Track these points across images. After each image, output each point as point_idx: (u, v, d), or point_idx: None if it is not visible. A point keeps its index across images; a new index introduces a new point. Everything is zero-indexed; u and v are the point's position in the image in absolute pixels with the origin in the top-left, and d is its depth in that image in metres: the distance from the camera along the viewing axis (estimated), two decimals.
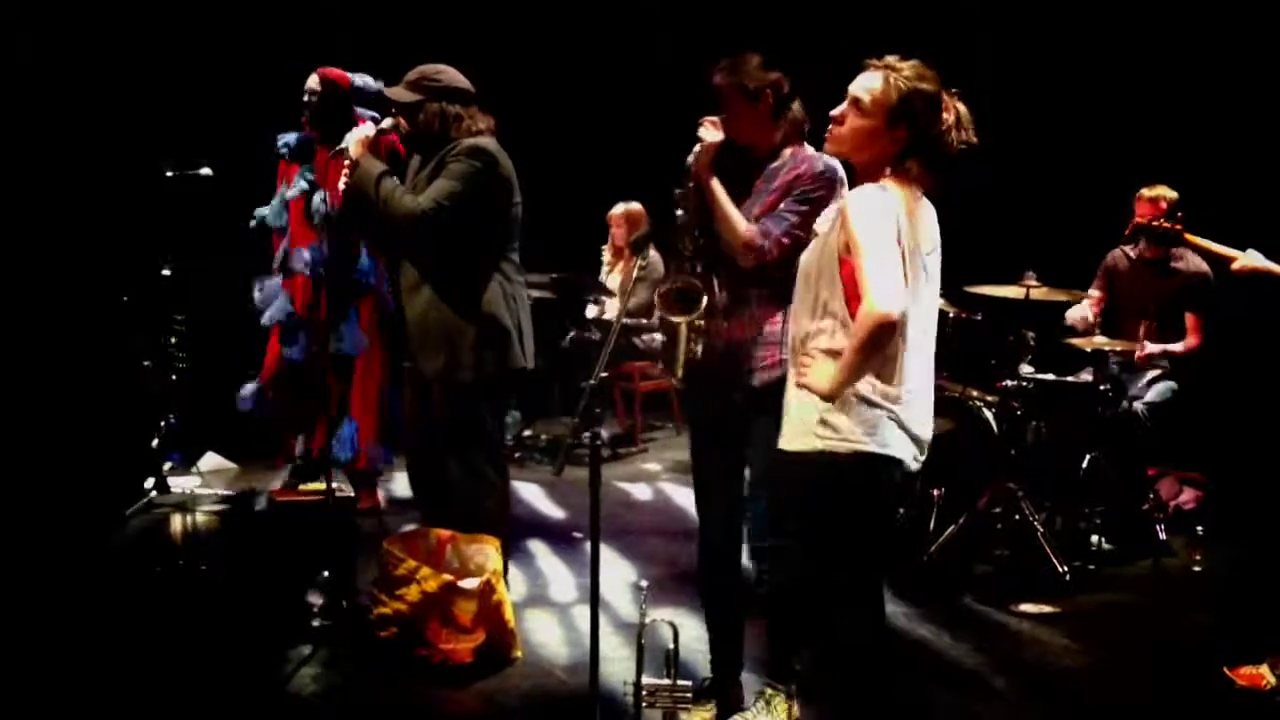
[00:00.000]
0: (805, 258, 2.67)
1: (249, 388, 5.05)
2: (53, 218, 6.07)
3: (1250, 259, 3.57)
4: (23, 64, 6.10)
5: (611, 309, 6.69)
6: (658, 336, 6.59)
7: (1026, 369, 5.10)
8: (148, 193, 5.31)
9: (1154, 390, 5.11)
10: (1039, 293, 4.77)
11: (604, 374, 2.68)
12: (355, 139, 3.75)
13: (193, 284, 5.51)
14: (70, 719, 3.30)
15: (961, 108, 2.55)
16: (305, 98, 4.75)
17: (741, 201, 3.06)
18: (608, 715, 3.12)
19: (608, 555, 4.70)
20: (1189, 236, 3.87)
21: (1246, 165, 5.69)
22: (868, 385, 2.49)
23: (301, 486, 4.96)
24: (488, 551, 3.73)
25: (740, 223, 3.00)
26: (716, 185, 3.03)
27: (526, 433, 6.75)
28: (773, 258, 2.98)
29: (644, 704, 2.89)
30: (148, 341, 5.47)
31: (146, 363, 5.45)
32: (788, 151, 3.10)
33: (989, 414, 4.86)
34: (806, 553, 2.70)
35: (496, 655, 3.58)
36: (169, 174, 5.19)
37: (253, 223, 4.99)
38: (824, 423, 2.53)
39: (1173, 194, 5.04)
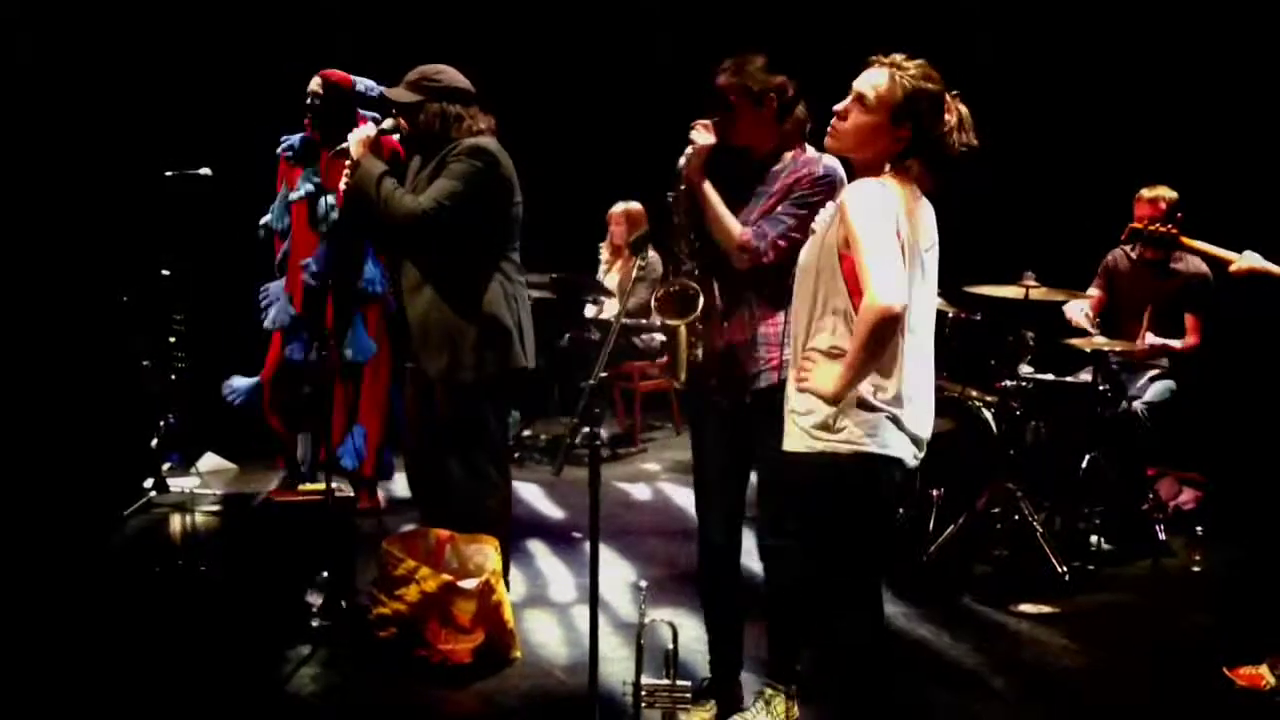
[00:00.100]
0: (804, 256, 2.66)
1: (243, 382, 5.03)
2: (53, 218, 6.07)
3: (1248, 260, 3.57)
4: (23, 64, 6.11)
5: (610, 309, 6.69)
6: (657, 336, 6.64)
7: (1026, 369, 5.11)
8: (147, 193, 5.31)
9: (1153, 390, 5.11)
10: (1038, 293, 4.77)
11: (603, 374, 2.68)
12: (356, 139, 3.75)
13: (192, 284, 5.50)
14: (70, 719, 3.30)
15: (964, 109, 2.55)
16: (308, 100, 4.75)
17: (742, 204, 3.06)
18: (607, 715, 3.12)
19: (607, 555, 4.70)
20: (1185, 240, 3.86)
21: (1246, 165, 5.69)
22: (867, 386, 2.49)
23: (301, 486, 4.97)
24: (487, 551, 3.73)
25: (734, 225, 3.00)
26: (709, 189, 3.02)
27: (526, 432, 6.75)
28: (769, 260, 2.98)
29: (643, 704, 2.89)
30: (147, 341, 5.46)
31: (146, 363, 5.44)
32: (789, 154, 3.09)
33: (988, 414, 4.86)
34: (806, 553, 2.70)
35: (496, 655, 3.58)
36: (169, 174, 5.19)
37: (261, 232, 4.98)
38: (824, 424, 2.52)
39: (1172, 194, 5.04)
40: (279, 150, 4.92)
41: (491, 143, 3.75)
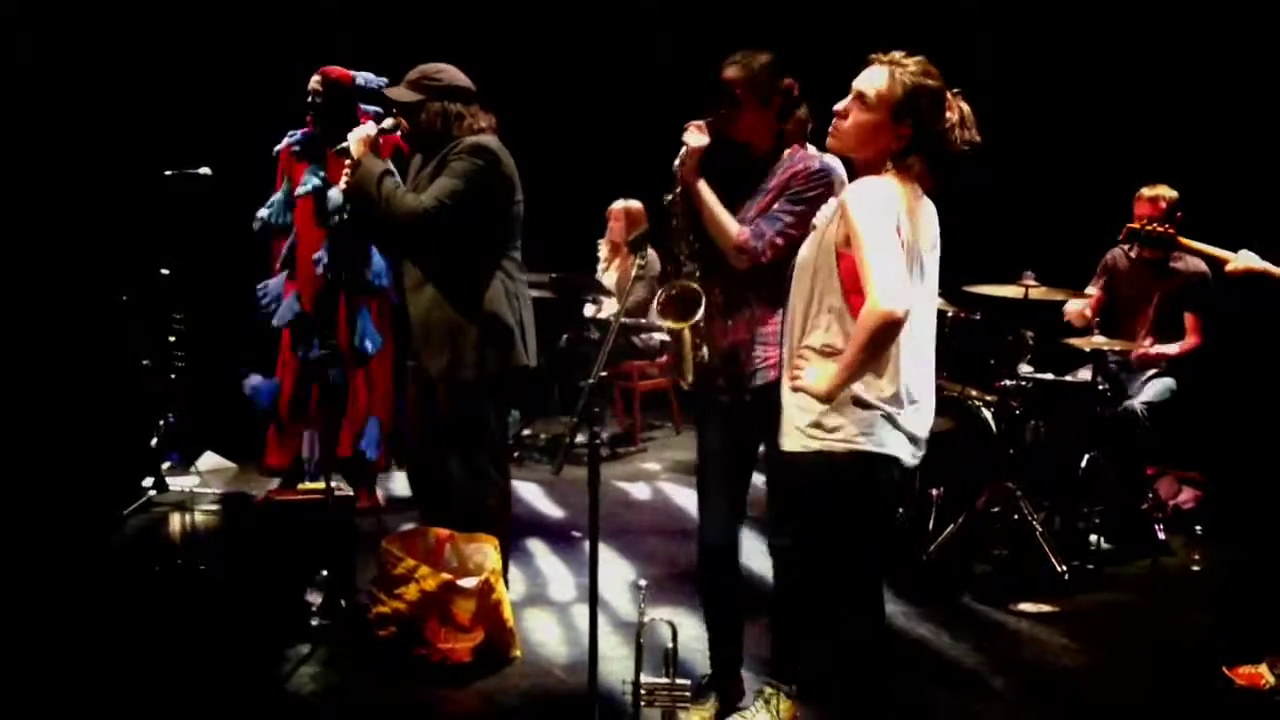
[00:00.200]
0: (803, 252, 2.66)
1: (263, 381, 5.00)
2: (52, 217, 6.07)
3: (1244, 260, 3.57)
4: (23, 64, 6.10)
5: (609, 308, 6.69)
6: (656, 336, 6.64)
7: (1025, 368, 5.10)
8: (147, 192, 5.31)
9: (1153, 389, 5.11)
10: (1038, 292, 4.77)
11: (603, 373, 2.68)
12: (356, 138, 3.75)
13: (192, 283, 5.50)
14: (70, 719, 3.30)
15: (965, 107, 2.54)
16: (309, 98, 4.75)
17: (741, 202, 3.06)
18: (606, 714, 3.13)
19: (606, 554, 4.70)
20: (1182, 240, 3.86)
21: (1246, 165, 5.69)
22: (861, 385, 2.49)
23: (300, 486, 4.97)
24: (486, 550, 3.73)
25: (731, 226, 3.00)
26: (705, 189, 3.02)
27: (526, 432, 6.75)
28: (767, 259, 2.97)
29: (643, 703, 2.89)
30: (147, 341, 5.46)
31: (145, 362, 5.44)
32: (788, 152, 3.10)
33: (988, 413, 4.86)
34: (805, 552, 2.70)
35: (495, 654, 3.58)
36: (168, 173, 5.19)
37: (256, 224, 4.98)
38: (819, 423, 2.53)
39: (1172, 194, 5.04)
40: (282, 145, 4.92)
41: (493, 141, 3.75)
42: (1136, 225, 4.15)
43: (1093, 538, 4.86)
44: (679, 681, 2.93)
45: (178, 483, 5.41)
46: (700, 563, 3.31)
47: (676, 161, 3.02)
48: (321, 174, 4.78)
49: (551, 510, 5.55)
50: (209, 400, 5.64)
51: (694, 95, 3.17)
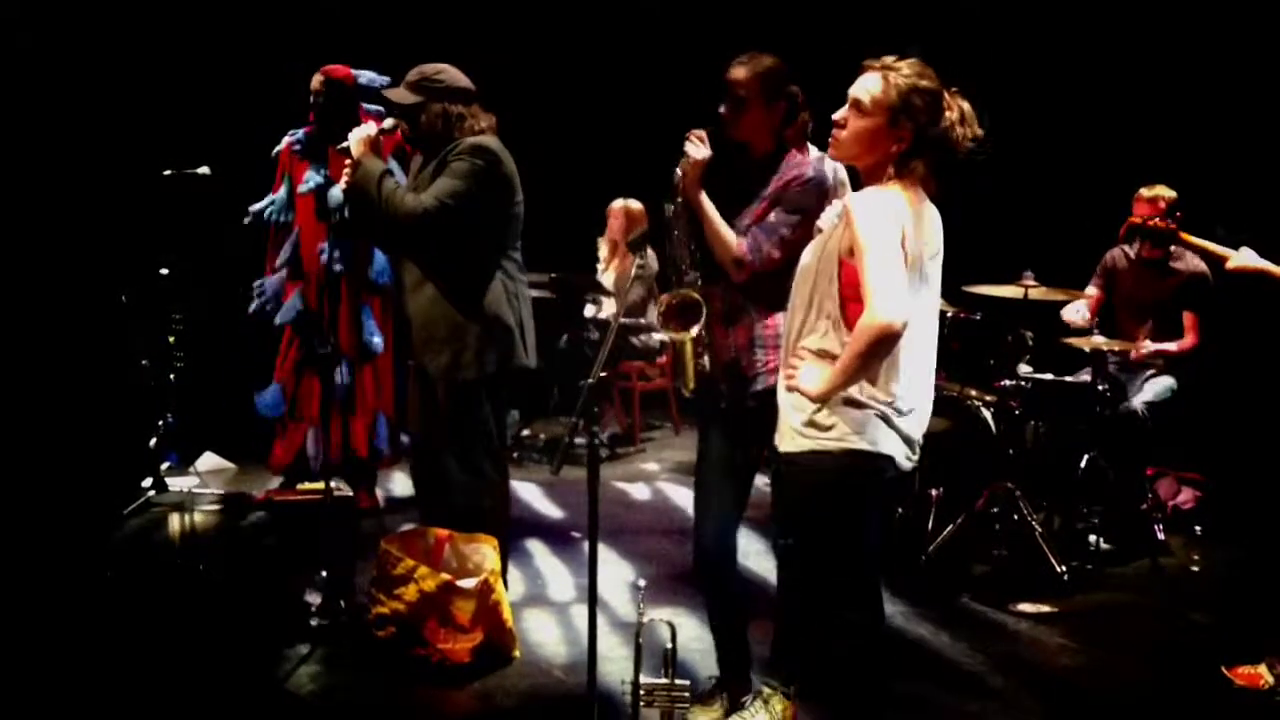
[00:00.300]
0: (805, 257, 2.66)
1: (271, 391, 5.01)
2: (51, 216, 6.07)
3: (1244, 258, 3.57)
4: (23, 64, 6.10)
5: (609, 309, 6.69)
6: (655, 336, 6.63)
7: (1025, 369, 5.10)
8: (146, 192, 5.31)
9: (1153, 389, 5.11)
10: (1037, 292, 4.77)
11: (602, 373, 2.68)
12: (356, 139, 3.75)
13: (191, 283, 5.50)
14: (69, 719, 3.30)
15: (965, 105, 2.53)
16: (311, 97, 4.75)
17: (739, 204, 3.06)
18: (606, 714, 3.13)
19: (606, 555, 4.70)
20: (1184, 235, 3.86)
21: (1246, 165, 5.69)
22: (857, 388, 2.49)
23: (300, 486, 4.98)
24: (485, 551, 3.73)
25: (730, 239, 3.00)
26: (706, 202, 3.02)
27: (525, 432, 6.75)
28: (766, 269, 2.98)
29: (642, 703, 2.89)
30: (146, 341, 5.46)
31: (145, 362, 5.44)
32: (787, 158, 3.09)
33: (987, 414, 4.86)
34: (803, 552, 2.70)
35: (495, 655, 3.58)
36: (167, 173, 5.19)
37: (247, 219, 4.98)
38: (813, 422, 2.53)
39: (1171, 193, 5.04)
40: (283, 144, 4.92)
41: (493, 141, 3.74)
42: (1138, 220, 4.15)
43: (1092, 538, 4.86)
44: (678, 682, 2.93)
45: (177, 483, 5.41)
46: (700, 568, 3.30)
47: (678, 172, 3.03)
48: (324, 172, 4.78)
49: (551, 510, 5.55)
50: (208, 400, 5.64)
51: (694, 95, 3.17)
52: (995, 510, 4.73)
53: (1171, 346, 5.15)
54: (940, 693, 3.53)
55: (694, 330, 3.02)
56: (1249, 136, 5.78)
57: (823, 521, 2.59)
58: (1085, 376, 5.02)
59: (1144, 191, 5.08)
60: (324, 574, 3.97)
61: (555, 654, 3.75)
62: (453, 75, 3.79)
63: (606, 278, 6.76)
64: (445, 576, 3.55)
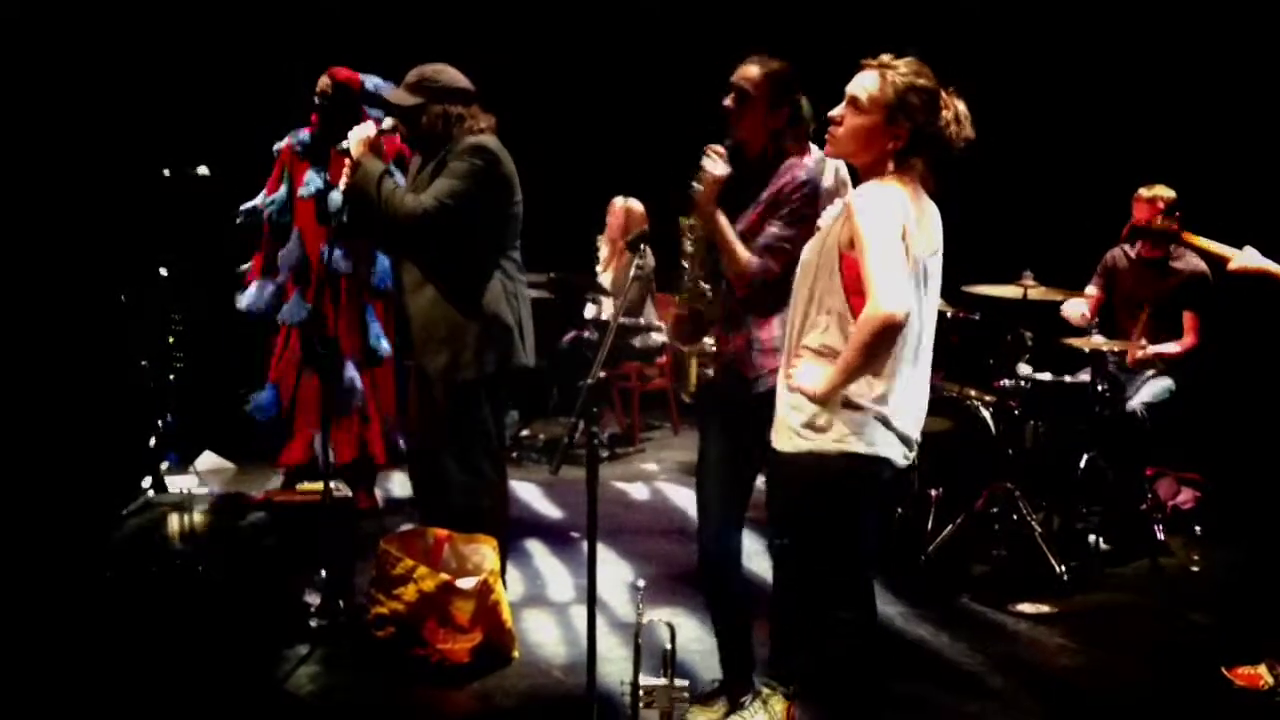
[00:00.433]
0: (805, 253, 2.67)
1: (266, 395, 5.00)
2: (51, 216, 6.06)
3: (1247, 258, 3.57)
4: (22, 63, 6.10)
5: (609, 309, 6.69)
6: (655, 336, 6.63)
7: (1024, 369, 5.10)
8: (145, 192, 5.31)
9: (1152, 389, 5.10)
10: (1036, 292, 4.77)
11: (602, 373, 2.68)
12: (356, 139, 3.75)
13: (191, 283, 5.50)
14: (69, 719, 3.29)
15: (960, 104, 2.54)
16: (316, 98, 4.74)
17: (736, 208, 3.07)
18: (605, 715, 3.12)
19: (605, 555, 4.70)
20: (1187, 235, 3.86)
21: (1246, 165, 5.69)
22: (855, 388, 2.50)
23: (299, 486, 4.97)
24: (485, 551, 3.73)
25: (742, 254, 3.02)
26: (722, 219, 3.04)
27: (524, 432, 6.75)
28: (770, 278, 3.01)
29: (641, 704, 2.89)
30: (146, 341, 5.46)
31: (144, 362, 5.44)
32: (786, 163, 3.09)
33: (986, 414, 4.86)
34: (799, 552, 2.70)
35: (494, 655, 3.58)
36: (166, 173, 5.18)
37: (239, 218, 4.98)
38: (811, 424, 2.54)
39: (1170, 193, 5.04)
40: (283, 143, 4.91)
41: (492, 141, 3.74)
42: (1140, 222, 4.15)
43: (1092, 538, 4.86)
44: (677, 682, 2.93)
45: (176, 483, 5.41)
46: (702, 570, 3.30)
47: (696, 185, 3.04)
48: (324, 176, 4.78)
49: (550, 511, 5.55)
50: (208, 400, 5.63)
51: (694, 95, 3.17)
52: (995, 510, 4.73)
53: (1171, 348, 5.14)
54: (940, 693, 3.53)
55: (703, 342, 3.05)
56: (1249, 136, 5.78)
57: (818, 522, 2.59)
58: (1084, 376, 5.02)
59: (1143, 191, 5.08)
60: (323, 574, 3.97)
61: (554, 654, 3.75)
62: (452, 76, 3.78)
63: (606, 277, 6.76)
64: (444, 577, 3.55)
